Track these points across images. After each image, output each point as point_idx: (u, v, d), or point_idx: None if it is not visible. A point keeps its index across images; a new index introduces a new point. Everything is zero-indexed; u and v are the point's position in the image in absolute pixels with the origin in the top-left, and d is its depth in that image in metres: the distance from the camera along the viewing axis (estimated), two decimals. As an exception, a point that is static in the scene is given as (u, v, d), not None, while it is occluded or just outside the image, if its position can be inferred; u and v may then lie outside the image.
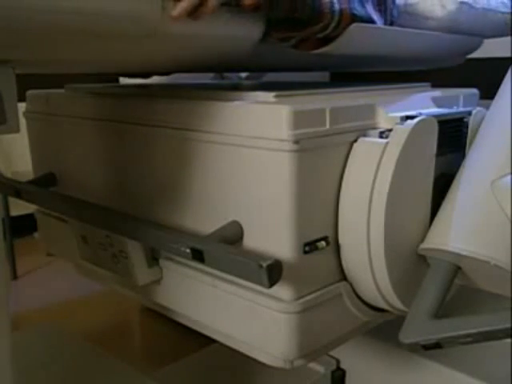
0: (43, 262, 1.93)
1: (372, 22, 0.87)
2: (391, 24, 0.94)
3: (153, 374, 1.20)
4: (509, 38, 1.01)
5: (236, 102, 0.78)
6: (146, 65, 0.82)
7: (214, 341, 0.92)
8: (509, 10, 1.10)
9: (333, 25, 0.79)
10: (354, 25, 0.82)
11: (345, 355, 1.22)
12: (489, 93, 0.89)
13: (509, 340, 1.12)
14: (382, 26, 0.90)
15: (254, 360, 0.84)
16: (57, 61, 0.76)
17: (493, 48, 1.19)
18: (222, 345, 0.90)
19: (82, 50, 0.67)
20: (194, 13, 0.66)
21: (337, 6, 0.78)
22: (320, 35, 0.81)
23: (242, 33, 0.77)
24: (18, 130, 0.63)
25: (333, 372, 1.22)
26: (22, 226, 1.67)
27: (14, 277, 1.87)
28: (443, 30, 1.03)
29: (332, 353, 1.22)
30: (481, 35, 1.13)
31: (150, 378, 1.16)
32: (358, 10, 0.83)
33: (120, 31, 0.63)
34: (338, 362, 1.23)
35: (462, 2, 1.02)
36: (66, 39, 0.61)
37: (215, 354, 1.26)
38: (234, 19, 0.74)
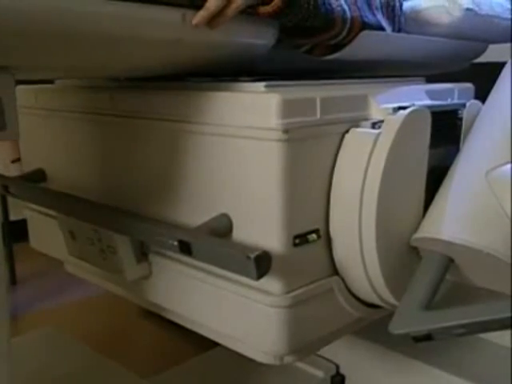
0: (42, 266, 1.92)
1: (381, 29, 0.90)
2: (399, 31, 0.97)
3: (152, 378, 1.19)
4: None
5: (226, 92, 0.77)
6: (161, 70, 0.85)
7: (213, 345, 0.90)
8: None
9: (344, 32, 0.83)
10: (365, 32, 0.85)
11: (344, 360, 1.21)
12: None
13: (503, 343, 1.12)
14: (391, 33, 0.94)
15: (253, 365, 0.83)
16: (66, 67, 0.78)
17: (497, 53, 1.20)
18: (220, 350, 0.89)
19: (95, 55, 0.70)
20: (212, 21, 0.70)
21: (348, 14, 0.82)
22: (332, 42, 0.84)
23: (257, 39, 0.80)
24: (17, 136, 0.64)
25: (332, 377, 1.21)
26: (21, 231, 1.66)
27: (13, 282, 1.86)
28: (449, 36, 1.06)
29: (331, 358, 1.22)
30: (485, 41, 1.16)
31: (149, 382, 1.15)
32: (369, 17, 0.87)
33: (142, 38, 0.68)
34: (337, 367, 1.22)
35: (467, 9, 1.04)
36: (79, 45, 0.64)
37: (214, 359, 1.25)
38: (250, 26, 0.78)
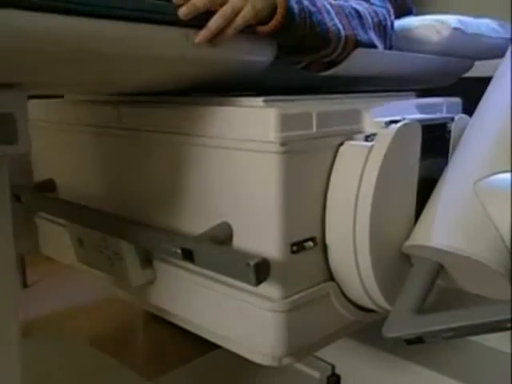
0: (53, 270, 1.91)
1: (374, 46, 0.90)
2: (390, 48, 0.98)
3: (157, 379, 1.19)
4: (497, 60, 1.03)
5: (226, 107, 0.77)
6: (166, 85, 0.85)
7: (214, 347, 0.90)
8: (497, 35, 1.13)
9: (339, 50, 0.83)
10: (358, 49, 0.85)
11: (340, 361, 1.21)
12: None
13: (492, 345, 1.12)
14: (383, 51, 0.94)
15: (252, 365, 0.82)
16: (77, 83, 0.79)
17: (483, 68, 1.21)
18: (221, 352, 0.88)
19: (106, 72, 0.70)
20: (214, 40, 0.70)
21: (342, 33, 0.82)
22: (327, 59, 0.84)
23: (256, 56, 0.80)
24: (29, 150, 0.64)
25: (328, 377, 1.20)
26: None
27: (24, 285, 1.85)
28: (438, 54, 1.07)
29: (327, 359, 1.21)
30: (472, 58, 1.16)
31: (153, 383, 1.15)
32: (362, 36, 0.87)
33: (148, 56, 0.69)
34: (333, 367, 1.21)
35: (455, 29, 1.06)
36: (90, 63, 0.65)
37: (215, 360, 1.24)
38: (250, 44, 0.77)
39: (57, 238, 1.08)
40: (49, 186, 1.10)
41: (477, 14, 1.17)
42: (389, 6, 1.03)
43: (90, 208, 0.94)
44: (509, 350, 1.08)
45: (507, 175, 0.76)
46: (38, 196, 1.05)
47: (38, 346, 1.28)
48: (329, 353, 1.19)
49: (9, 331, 0.69)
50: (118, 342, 1.46)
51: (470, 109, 0.99)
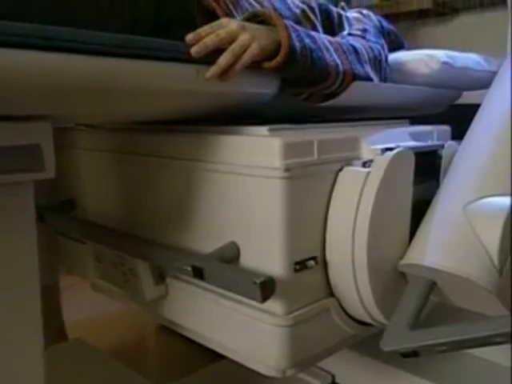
0: (70, 282, 1.90)
1: (370, 79, 0.91)
2: (385, 80, 0.99)
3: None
4: (482, 90, 1.04)
5: (235, 135, 0.77)
6: (177, 115, 0.86)
7: (222, 357, 0.89)
8: (482, 68, 1.13)
9: (337, 83, 0.84)
10: (355, 82, 0.86)
11: (339, 371, 1.19)
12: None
13: (485, 357, 1.10)
14: (378, 83, 0.95)
15: (257, 375, 0.81)
16: (97, 114, 0.81)
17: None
18: (228, 361, 0.87)
19: (124, 105, 0.71)
20: (223, 75, 0.71)
21: (341, 68, 0.83)
22: (327, 91, 0.85)
23: (261, 89, 0.81)
24: (53, 175, 0.65)
25: (328, 386, 1.19)
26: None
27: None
28: (428, 85, 1.08)
29: (327, 368, 1.19)
30: (460, 88, 1.17)
31: None
32: (359, 70, 0.88)
33: (163, 90, 0.70)
34: (333, 377, 1.19)
35: (443, 63, 1.08)
36: (111, 98, 0.66)
37: (222, 370, 1.22)
38: (256, 78, 0.78)
39: (77, 255, 1.08)
40: (70, 205, 1.10)
41: (463, 49, 1.18)
42: (383, 41, 1.03)
43: (108, 228, 0.94)
44: (502, 362, 1.07)
45: (494, 199, 0.76)
46: (60, 216, 1.05)
47: (59, 354, 1.27)
48: (329, 363, 1.17)
49: (33, 340, 0.70)
50: (131, 351, 1.44)
51: (458, 133, 0.99)
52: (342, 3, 1.20)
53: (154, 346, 1.49)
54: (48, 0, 0.61)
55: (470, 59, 1.15)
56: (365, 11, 1.18)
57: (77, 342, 1.33)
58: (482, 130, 0.86)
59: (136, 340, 1.52)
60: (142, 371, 1.22)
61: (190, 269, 0.72)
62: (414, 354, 0.71)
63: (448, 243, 0.76)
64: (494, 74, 0.97)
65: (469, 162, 0.83)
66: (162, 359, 1.43)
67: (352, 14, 1.14)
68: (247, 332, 0.77)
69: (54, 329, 1.31)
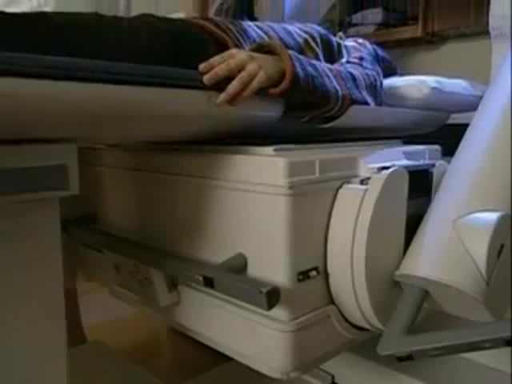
0: (87, 288, 1.89)
1: (366, 103, 0.91)
2: (380, 104, 0.99)
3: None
4: (469, 113, 1.05)
5: (242, 155, 0.77)
6: (190, 136, 0.86)
7: (229, 359, 0.88)
8: (469, 93, 1.15)
9: (337, 107, 0.84)
10: (353, 106, 0.86)
11: (339, 371, 1.18)
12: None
13: (479, 361, 1.09)
14: (374, 106, 0.94)
15: (262, 375, 0.80)
16: (118, 137, 0.83)
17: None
18: (235, 363, 0.86)
19: (142, 128, 0.72)
20: (232, 101, 0.71)
21: (340, 93, 0.83)
22: (327, 114, 0.85)
23: (267, 112, 0.81)
24: (77, 192, 0.65)
25: (328, 386, 1.18)
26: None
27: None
28: (419, 108, 1.08)
29: (327, 369, 1.19)
30: (448, 111, 1.18)
31: None
32: (356, 95, 0.88)
33: (177, 114, 0.70)
34: (332, 377, 1.18)
35: (433, 88, 1.07)
36: (132, 123, 0.67)
37: (230, 370, 1.22)
38: (262, 102, 0.78)
39: (97, 264, 1.08)
40: (91, 218, 1.10)
41: (450, 74, 1.19)
42: (378, 68, 1.04)
43: (126, 239, 0.94)
44: (496, 366, 1.05)
45: (482, 214, 0.76)
46: (82, 228, 1.05)
47: (78, 355, 1.26)
48: (329, 364, 1.16)
49: (58, 342, 0.70)
50: (144, 352, 1.44)
51: (446, 150, 0.99)
52: (340, 33, 1.21)
53: (166, 348, 1.49)
54: (78, 38, 0.61)
55: (457, 84, 1.16)
56: (361, 40, 1.19)
57: (95, 344, 1.33)
58: (469, 151, 0.86)
59: (149, 342, 1.51)
60: (155, 371, 1.22)
61: (201, 278, 0.72)
62: (408, 357, 0.70)
63: (439, 255, 0.75)
64: (480, 98, 0.97)
65: (458, 179, 0.82)
66: (173, 360, 1.42)
67: (350, 42, 1.15)
68: (254, 337, 0.77)
69: (73, 331, 1.30)
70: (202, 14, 1.31)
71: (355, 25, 2.20)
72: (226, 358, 0.90)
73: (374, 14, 2.13)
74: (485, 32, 1.05)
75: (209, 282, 0.71)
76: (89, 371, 1.17)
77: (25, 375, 0.68)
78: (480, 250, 0.72)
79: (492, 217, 0.74)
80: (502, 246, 0.74)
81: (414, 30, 2.02)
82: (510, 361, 0.91)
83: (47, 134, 0.60)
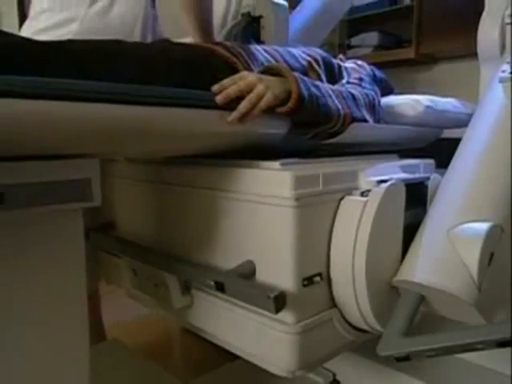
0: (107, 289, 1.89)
1: (365, 121, 0.91)
2: (378, 121, 0.99)
3: (192, 382, 1.16)
4: (460, 129, 1.05)
5: (251, 169, 0.77)
6: (203, 150, 0.86)
7: (238, 357, 0.87)
8: (459, 111, 1.16)
9: (339, 124, 0.83)
10: (354, 124, 0.86)
11: (340, 369, 1.17)
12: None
13: (476, 362, 1.08)
14: (372, 124, 0.94)
15: (267, 372, 0.80)
16: (135, 152, 0.84)
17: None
18: (244, 361, 0.86)
19: (159, 144, 0.72)
20: (242, 119, 0.71)
21: (341, 112, 0.83)
22: (330, 131, 0.85)
23: (274, 129, 0.81)
24: (100, 204, 0.66)
25: (330, 383, 1.16)
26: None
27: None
28: (414, 125, 1.08)
29: (329, 367, 1.17)
30: (440, 127, 1.18)
31: None
32: (356, 113, 0.88)
33: (192, 132, 0.70)
34: (334, 374, 1.17)
35: (427, 106, 1.07)
36: (150, 140, 0.67)
37: (240, 368, 1.21)
38: (270, 120, 0.78)
39: (115, 268, 1.08)
40: (110, 226, 1.10)
41: (441, 93, 1.19)
42: (376, 88, 1.04)
43: (143, 246, 0.94)
44: (493, 367, 1.04)
45: (474, 224, 0.76)
46: (102, 235, 1.06)
47: (98, 352, 1.26)
48: (330, 362, 1.15)
49: (81, 340, 0.70)
50: (158, 350, 1.43)
51: (437, 162, 0.99)
52: (341, 55, 1.22)
53: (178, 347, 1.48)
54: (100, 64, 0.62)
55: (448, 103, 1.16)
56: (360, 62, 1.19)
57: (113, 342, 1.32)
58: (461, 165, 0.86)
59: (162, 341, 1.51)
60: (168, 367, 1.21)
61: (212, 283, 0.72)
62: (406, 358, 0.69)
63: (434, 262, 0.75)
64: (469, 115, 0.97)
65: (451, 191, 0.82)
66: (185, 358, 1.41)
67: (349, 64, 1.15)
68: (261, 338, 0.76)
69: (95, 330, 1.30)
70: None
71: (354, 47, 2.21)
72: (235, 356, 0.89)
73: (371, 37, 2.14)
74: (473, 54, 1.05)
75: (220, 287, 0.71)
76: (106, 367, 1.17)
77: (50, 371, 0.68)
78: (472, 257, 0.72)
79: (483, 227, 0.74)
80: (492, 255, 0.74)
81: (408, 52, 2.03)
82: (510, 362, 0.89)
83: (75, 150, 0.60)
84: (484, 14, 1.02)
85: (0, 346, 0.62)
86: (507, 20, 0.97)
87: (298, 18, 1.69)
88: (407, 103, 1.08)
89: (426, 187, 0.87)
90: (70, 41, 0.68)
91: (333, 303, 0.78)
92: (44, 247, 0.64)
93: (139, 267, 0.95)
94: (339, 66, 1.07)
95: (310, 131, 0.84)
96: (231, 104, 0.70)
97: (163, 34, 1.19)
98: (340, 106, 0.83)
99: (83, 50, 0.63)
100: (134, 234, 1.03)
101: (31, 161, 0.57)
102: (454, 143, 0.90)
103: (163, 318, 1.14)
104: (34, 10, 1.02)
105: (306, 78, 0.80)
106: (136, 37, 1.04)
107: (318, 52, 1.05)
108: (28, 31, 1.00)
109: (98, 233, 1.06)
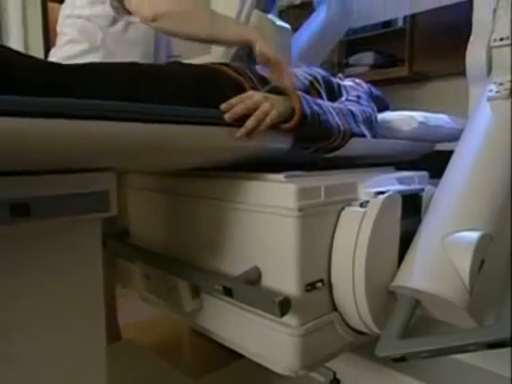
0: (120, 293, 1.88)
1: (363, 136, 0.92)
2: (375, 136, 0.99)
3: (200, 380, 1.16)
4: (452, 143, 1.05)
5: (258, 181, 0.77)
6: (211, 164, 0.86)
7: (244, 356, 0.87)
8: (451, 126, 1.16)
9: (339, 140, 0.84)
10: (353, 139, 0.86)
11: (340, 368, 1.16)
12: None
13: (473, 363, 1.07)
14: (370, 139, 0.95)
15: (270, 371, 0.79)
16: (149, 166, 0.84)
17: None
18: (249, 360, 0.86)
19: (171, 159, 0.73)
20: (249, 135, 0.71)
21: (341, 128, 0.83)
22: (330, 146, 0.85)
23: (278, 144, 0.81)
24: (116, 213, 0.66)
25: (330, 381, 1.15)
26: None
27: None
28: (408, 139, 1.09)
29: (330, 365, 1.16)
30: (433, 141, 1.19)
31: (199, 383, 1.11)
32: (355, 129, 0.88)
33: (203, 147, 0.71)
34: (334, 373, 1.16)
35: (420, 122, 1.08)
36: (164, 155, 0.68)
37: (245, 366, 1.20)
38: (274, 136, 0.78)
39: (130, 273, 1.08)
40: (125, 233, 1.10)
41: (433, 109, 1.19)
42: (373, 105, 1.04)
43: (155, 252, 0.94)
44: (493, 369, 1.02)
45: (466, 233, 0.75)
46: (118, 242, 1.06)
47: (113, 352, 1.25)
48: (331, 361, 1.14)
49: (98, 341, 0.71)
50: (169, 350, 1.42)
51: (430, 173, 1.00)
52: (340, 74, 1.22)
53: (188, 347, 1.47)
54: (122, 85, 0.63)
55: (441, 119, 1.16)
56: (358, 80, 1.20)
57: (126, 342, 1.32)
58: (454, 176, 0.86)
59: (173, 341, 1.50)
60: (179, 366, 1.20)
61: (221, 288, 0.72)
62: (402, 359, 0.69)
63: (428, 268, 0.75)
64: (460, 130, 0.97)
65: (445, 201, 0.82)
66: (194, 357, 1.40)
67: (348, 82, 1.16)
68: (267, 339, 0.76)
69: (111, 331, 1.29)
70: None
71: (351, 65, 2.22)
72: (241, 356, 0.89)
73: (368, 57, 2.15)
74: (463, 73, 1.06)
75: (228, 292, 0.71)
76: (121, 366, 1.17)
77: (70, 370, 0.68)
78: (464, 264, 0.72)
79: (474, 236, 0.74)
80: (483, 261, 0.74)
81: (402, 71, 2.04)
82: (510, 363, 0.89)
83: (94, 164, 0.61)
84: (471, 38, 1.03)
85: (23, 346, 0.63)
86: (492, 44, 0.97)
87: (300, 40, 1.70)
88: (402, 119, 1.09)
89: (420, 198, 0.86)
90: (91, 64, 0.69)
91: (334, 307, 0.78)
92: (65, 254, 0.64)
93: (152, 272, 0.95)
94: (338, 85, 1.08)
95: (312, 146, 0.85)
96: (239, 121, 0.71)
97: (173, 50, 1.20)
98: (340, 123, 0.83)
99: (106, 70, 0.64)
100: (147, 241, 1.03)
101: (54, 174, 0.58)
102: (446, 155, 0.90)
103: (173, 319, 1.14)
104: (59, 40, 1.05)
105: (308, 97, 0.80)
106: (150, 55, 1.05)
107: (319, 71, 1.06)
108: (53, 59, 1.02)
109: (114, 240, 1.06)
